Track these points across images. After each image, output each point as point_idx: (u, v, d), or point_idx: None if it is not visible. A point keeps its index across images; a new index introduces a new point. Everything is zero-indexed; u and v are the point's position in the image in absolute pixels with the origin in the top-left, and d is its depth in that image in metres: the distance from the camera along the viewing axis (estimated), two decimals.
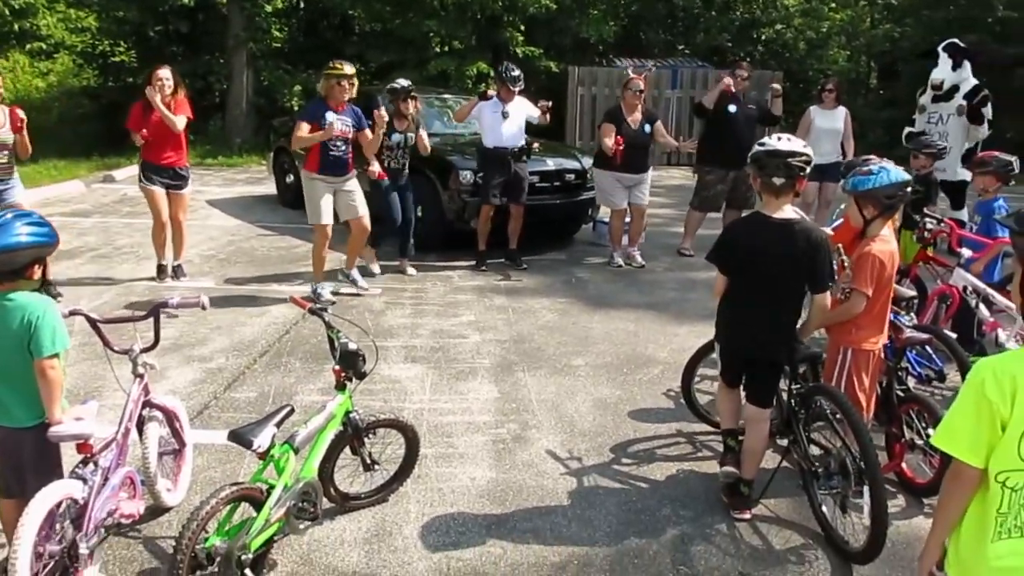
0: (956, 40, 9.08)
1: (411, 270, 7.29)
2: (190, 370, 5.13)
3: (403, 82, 7.24)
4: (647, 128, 7.80)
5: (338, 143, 6.35)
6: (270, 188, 11.29)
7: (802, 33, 19.92)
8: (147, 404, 3.35)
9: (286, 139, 10.70)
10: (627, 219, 7.98)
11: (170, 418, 3.51)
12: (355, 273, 6.88)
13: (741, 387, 3.60)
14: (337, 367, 3.20)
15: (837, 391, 3.37)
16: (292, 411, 3.04)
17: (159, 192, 6.71)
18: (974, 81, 8.79)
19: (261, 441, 2.81)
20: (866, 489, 3.02)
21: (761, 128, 8.17)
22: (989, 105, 8.90)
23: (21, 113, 5.97)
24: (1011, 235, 1.82)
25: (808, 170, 3.28)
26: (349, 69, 6.36)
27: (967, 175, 8.16)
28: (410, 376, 5.10)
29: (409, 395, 4.82)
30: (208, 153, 15.60)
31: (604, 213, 8.68)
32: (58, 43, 18.85)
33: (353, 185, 6.58)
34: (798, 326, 3.45)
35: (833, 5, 21.32)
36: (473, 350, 5.59)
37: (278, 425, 2.92)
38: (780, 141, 3.30)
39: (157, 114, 6.49)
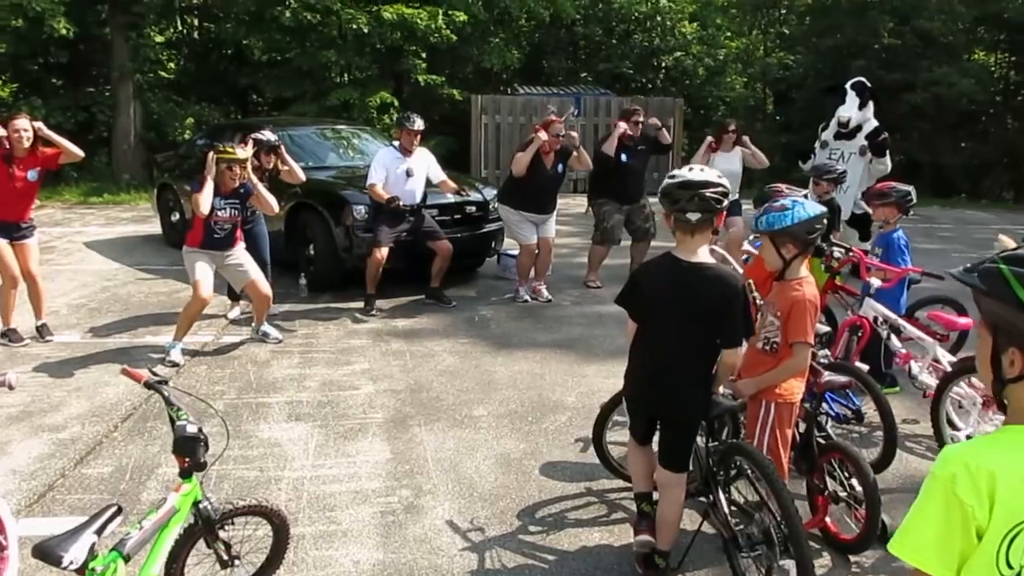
0: (863, 79, 9.12)
1: (274, 332, 6.37)
2: (37, 442, 4.48)
3: (270, 135, 6.74)
4: (560, 168, 7.58)
5: (225, 226, 5.95)
6: (156, 227, 10.53)
7: (701, 60, 20.30)
8: None
9: (170, 175, 10.13)
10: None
11: None
12: (266, 327, 6.36)
13: (655, 444, 3.25)
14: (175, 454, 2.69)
15: (755, 450, 3.04)
16: (119, 511, 2.51)
17: (3, 244, 6.04)
18: (875, 122, 8.85)
19: (75, 555, 2.28)
20: (792, 563, 2.70)
21: (653, 160, 8.29)
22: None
23: None
24: (976, 294, 1.47)
25: (726, 203, 2.96)
26: (242, 154, 5.87)
27: (864, 208, 8.18)
28: (292, 437, 4.59)
29: (290, 461, 4.30)
30: (93, 191, 14.67)
31: (509, 245, 8.37)
32: None
33: (239, 255, 6.10)
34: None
35: (728, 34, 21.87)
36: (365, 403, 5.11)
37: (99, 531, 2.40)
38: (692, 172, 2.96)
39: (9, 166, 5.93)
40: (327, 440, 4.56)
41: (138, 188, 14.65)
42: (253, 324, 6.44)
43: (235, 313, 6.94)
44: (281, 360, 5.92)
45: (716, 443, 3.21)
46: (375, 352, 6.12)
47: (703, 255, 2.96)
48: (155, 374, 2.85)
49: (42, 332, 6.28)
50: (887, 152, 8.72)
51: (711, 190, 2.86)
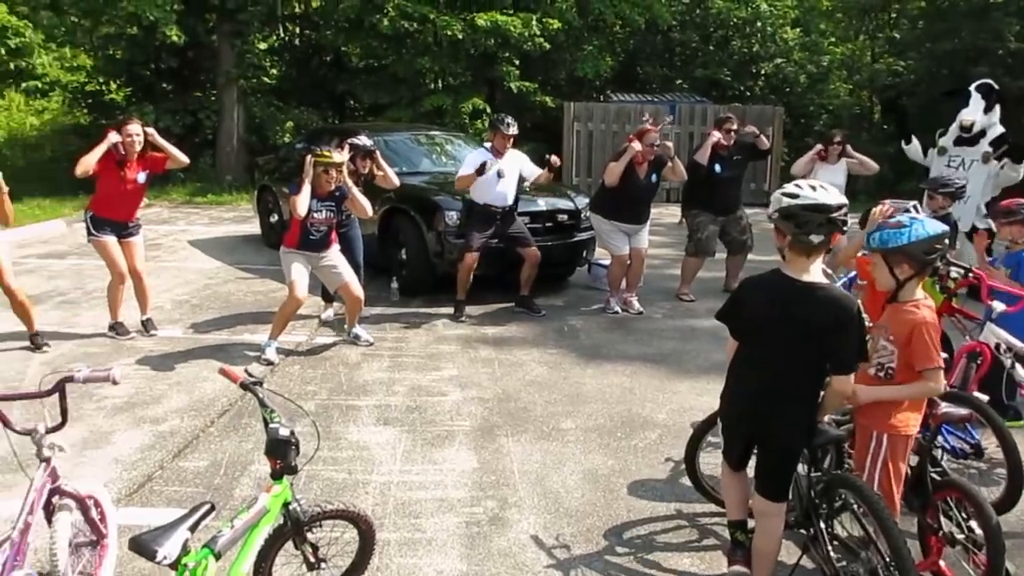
0: (990, 81, 8.53)
1: (365, 335, 6.46)
2: (139, 434, 4.65)
3: (366, 140, 6.82)
4: (654, 178, 7.43)
5: (320, 228, 6.06)
6: (256, 228, 10.86)
7: (803, 67, 19.64)
8: (56, 492, 2.87)
9: (270, 177, 10.43)
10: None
11: (85, 507, 3.01)
12: (357, 329, 6.45)
13: (751, 470, 3.09)
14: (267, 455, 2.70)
15: (863, 484, 2.84)
16: (212, 508, 2.55)
17: (112, 242, 6.32)
18: (1001, 128, 8.24)
19: (168, 550, 2.31)
20: None
21: (751, 170, 8.06)
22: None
23: None
24: None
25: (849, 224, 2.79)
26: (338, 158, 5.98)
27: (987, 224, 7.60)
28: (380, 441, 4.60)
29: (377, 465, 4.31)
30: (198, 191, 15.27)
31: (600, 255, 8.25)
32: (54, 81, 18.72)
33: (333, 257, 6.20)
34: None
35: (833, 39, 21.09)
36: (453, 410, 5.09)
37: (193, 528, 2.43)
38: (817, 191, 2.76)
39: (121, 169, 6.22)
40: (414, 446, 4.56)
41: (240, 189, 15.19)
42: (345, 326, 6.53)
43: (328, 314, 7.06)
44: (371, 363, 5.97)
45: (819, 473, 3.02)
46: (464, 359, 6.11)
47: (816, 274, 2.79)
48: (250, 375, 2.88)
49: (147, 326, 6.53)
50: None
51: (841, 212, 2.70)
